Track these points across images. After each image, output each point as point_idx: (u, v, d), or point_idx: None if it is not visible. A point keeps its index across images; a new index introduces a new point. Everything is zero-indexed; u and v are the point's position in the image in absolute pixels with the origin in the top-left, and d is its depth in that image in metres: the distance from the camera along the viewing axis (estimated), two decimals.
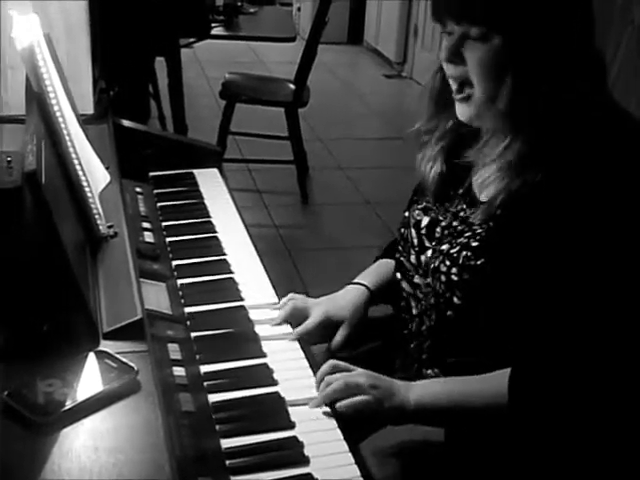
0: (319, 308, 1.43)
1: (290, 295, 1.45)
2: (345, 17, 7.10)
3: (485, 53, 1.16)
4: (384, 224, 3.72)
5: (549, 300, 1.15)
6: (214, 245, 1.61)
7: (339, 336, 1.41)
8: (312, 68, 3.93)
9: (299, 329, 1.37)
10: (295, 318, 1.39)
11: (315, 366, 1.27)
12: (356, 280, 1.49)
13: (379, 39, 6.77)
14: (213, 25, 4.04)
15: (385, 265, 1.51)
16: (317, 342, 1.43)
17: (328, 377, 1.20)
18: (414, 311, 1.34)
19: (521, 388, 1.17)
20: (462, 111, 1.24)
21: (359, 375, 1.21)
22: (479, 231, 1.22)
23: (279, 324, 1.38)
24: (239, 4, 4.30)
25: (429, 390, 1.22)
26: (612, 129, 1.19)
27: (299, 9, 7.36)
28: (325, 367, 1.23)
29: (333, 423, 1.14)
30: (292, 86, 3.95)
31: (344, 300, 1.45)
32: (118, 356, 1.08)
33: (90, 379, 1.04)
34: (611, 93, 1.22)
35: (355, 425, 1.18)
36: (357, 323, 1.43)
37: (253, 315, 1.38)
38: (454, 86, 1.23)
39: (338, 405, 1.17)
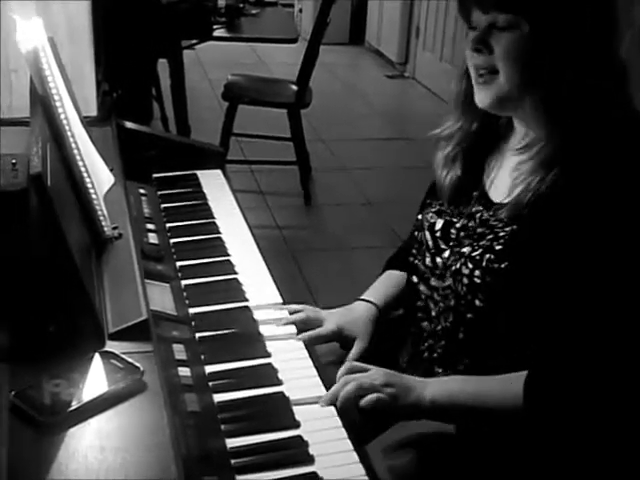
0: (332, 319, 1.43)
1: (302, 306, 1.45)
2: (347, 18, 7.10)
3: (513, 41, 1.17)
4: (387, 225, 3.72)
5: (570, 303, 1.15)
6: (218, 246, 1.62)
7: (353, 355, 1.40)
8: (314, 69, 3.94)
9: (311, 333, 1.37)
10: (306, 326, 1.39)
11: (320, 367, 1.28)
12: (364, 297, 1.50)
13: (381, 40, 6.77)
14: (215, 27, 4.04)
15: (391, 278, 1.52)
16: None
17: (345, 377, 1.21)
18: (433, 313, 1.34)
19: (536, 391, 1.17)
20: (482, 97, 1.25)
21: (374, 374, 1.22)
22: (502, 234, 1.23)
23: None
24: (241, 5, 4.30)
25: (445, 388, 1.22)
26: (634, 129, 1.19)
27: (301, 10, 7.36)
28: (343, 369, 1.24)
29: (338, 422, 1.15)
30: (294, 87, 3.96)
31: (355, 315, 1.45)
32: (124, 356, 1.09)
33: (96, 379, 1.05)
34: (631, 96, 1.23)
35: (372, 419, 1.19)
36: (369, 339, 1.43)
37: (257, 315, 1.39)
38: (476, 73, 1.23)
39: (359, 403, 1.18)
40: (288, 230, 3.73)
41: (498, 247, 1.22)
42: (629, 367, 1.15)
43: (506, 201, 1.25)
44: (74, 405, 0.99)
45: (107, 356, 1.09)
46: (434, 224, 1.35)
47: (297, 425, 1.13)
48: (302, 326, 1.39)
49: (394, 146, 4.84)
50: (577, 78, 1.17)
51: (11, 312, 1.07)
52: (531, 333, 1.20)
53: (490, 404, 1.20)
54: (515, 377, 1.19)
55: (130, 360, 1.08)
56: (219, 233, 1.67)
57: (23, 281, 1.07)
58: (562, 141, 1.19)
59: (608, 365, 1.14)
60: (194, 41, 4.25)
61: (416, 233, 1.40)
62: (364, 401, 1.18)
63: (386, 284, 1.52)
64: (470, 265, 1.24)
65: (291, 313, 1.41)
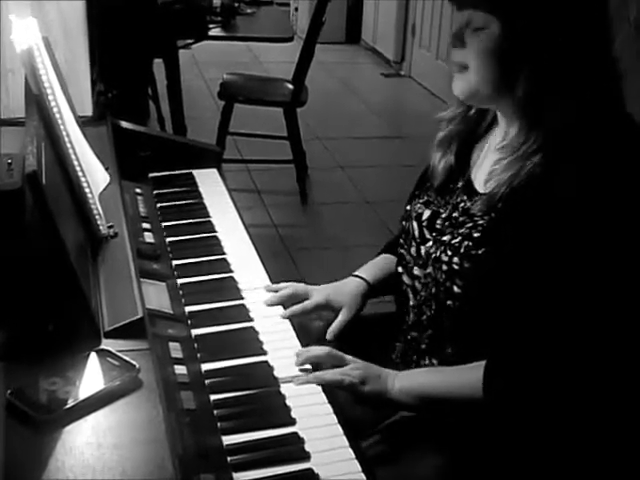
0: (320, 292, 1.48)
1: (290, 284, 1.48)
2: (342, 16, 7.10)
3: (484, 41, 1.20)
4: (383, 223, 3.73)
5: (534, 292, 1.17)
6: (214, 245, 1.62)
7: (337, 322, 1.45)
8: (310, 68, 3.94)
9: (297, 307, 1.42)
10: (294, 301, 1.43)
11: (316, 365, 1.29)
12: (356, 273, 1.54)
13: (377, 38, 6.77)
14: (210, 26, 4.04)
15: (385, 260, 1.55)
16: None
17: (332, 372, 1.24)
18: (411, 302, 1.36)
19: (494, 379, 1.19)
20: (455, 88, 1.28)
21: (351, 370, 1.25)
22: (480, 222, 1.25)
23: (274, 304, 1.42)
24: (236, 5, 4.30)
25: (413, 380, 1.26)
26: (616, 127, 1.21)
27: (296, 9, 7.36)
28: (320, 352, 1.27)
29: (334, 419, 1.15)
30: (290, 86, 3.96)
31: (344, 289, 1.50)
32: (120, 354, 1.09)
33: (92, 377, 1.05)
34: (622, 99, 1.23)
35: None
36: (355, 312, 1.47)
37: (253, 313, 1.39)
38: (452, 65, 1.27)
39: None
40: (284, 229, 3.73)
41: (476, 234, 1.24)
42: (588, 358, 1.16)
43: (485, 192, 1.27)
44: (70, 403, 1.00)
45: (103, 354, 1.10)
46: (421, 214, 1.38)
47: (293, 422, 1.13)
48: (290, 302, 1.43)
49: (390, 144, 4.85)
50: (555, 81, 1.18)
51: (7, 311, 1.08)
52: (507, 320, 1.21)
53: (455, 395, 1.23)
54: (479, 366, 1.21)
55: (126, 358, 1.08)
56: (215, 232, 1.68)
57: (19, 280, 1.07)
58: (536, 133, 1.20)
59: (565, 354, 1.16)
60: (190, 40, 4.25)
61: (404, 223, 1.42)
62: (330, 376, 1.22)
63: (379, 265, 1.56)
64: (449, 252, 1.26)
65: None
